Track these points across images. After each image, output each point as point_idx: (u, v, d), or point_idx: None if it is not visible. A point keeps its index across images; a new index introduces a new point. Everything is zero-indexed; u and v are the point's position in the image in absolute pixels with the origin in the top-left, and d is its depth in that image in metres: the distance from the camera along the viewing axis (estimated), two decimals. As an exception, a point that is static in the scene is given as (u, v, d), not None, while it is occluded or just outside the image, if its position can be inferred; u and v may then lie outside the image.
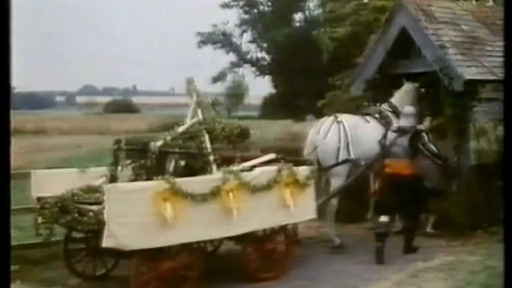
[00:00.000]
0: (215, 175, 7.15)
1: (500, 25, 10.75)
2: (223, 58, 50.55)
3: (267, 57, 48.57)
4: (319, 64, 28.86)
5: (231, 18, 51.94)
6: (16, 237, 8.46)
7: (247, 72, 49.95)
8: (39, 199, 7.29)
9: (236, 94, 50.08)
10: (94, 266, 7.82)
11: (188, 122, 8.05)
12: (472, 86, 9.92)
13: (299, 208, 7.83)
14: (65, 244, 7.73)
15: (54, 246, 8.20)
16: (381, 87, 11.46)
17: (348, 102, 14.33)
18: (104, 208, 6.25)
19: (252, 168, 7.59)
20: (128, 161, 7.73)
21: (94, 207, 6.65)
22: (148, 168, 7.36)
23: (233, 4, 47.99)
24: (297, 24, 47.33)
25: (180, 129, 7.91)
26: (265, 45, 47.89)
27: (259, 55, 49.45)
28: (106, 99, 70.90)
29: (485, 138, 10.12)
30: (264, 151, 8.69)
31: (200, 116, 8.07)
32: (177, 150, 7.75)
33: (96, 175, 7.86)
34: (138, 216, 6.30)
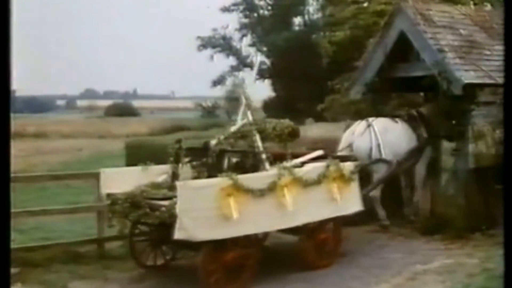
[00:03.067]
0: (271, 172, 7.67)
1: (498, 29, 10.80)
2: (223, 62, 50.55)
3: (267, 61, 48.57)
4: (318, 68, 28.88)
5: (231, 22, 51.88)
6: (17, 239, 8.51)
7: (247, 76, 50.00)
8: (108, 195, 7.87)
9: (236, 98, 50.16)
10: (155, 256, 8.41)
11: (239, 122, 8.64)
12: (471, 90, 9.95)
13: (346, 201, 8.37)
14: (130, 237, 8.30)
15: (54, 249, 8.25)
16: (380, 91, 11.51)
17: (348, 105, 14.37)
18: (175, 203, 6.80)
19: (302, 164, 8.13)
20: (187, 159, 8.39)
21: (166, 202, 7.17)
22: (208, 166, 8.07)
23: (233, 8, 47.99)
24: (297, 28, 47.27)
25: (232, 129, 8.57)
26: (265, 49, 47.87)
27: (259, 58, 49.46)
28: (106, 102, 70.82)
29: (483, 142, 10.15)
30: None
31: (250, 117, 8.59)
32: (234, 149, 8.41)
33: (158, 172, 8.38)
34: (205, 210, 6.82)
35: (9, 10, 3.28)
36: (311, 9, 46.89)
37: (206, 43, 49.15)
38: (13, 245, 6.42)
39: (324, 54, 22.79)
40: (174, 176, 8.22)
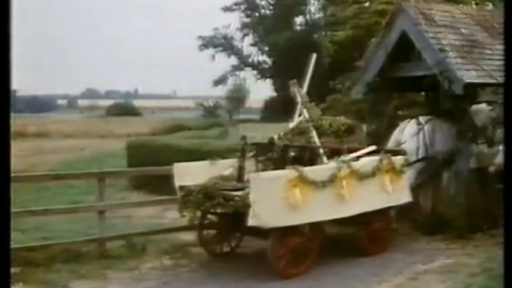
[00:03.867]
0: (331, 165, 8.28)
1: (499, 29, 10.78)
2: (225, 61, 50.55)
3: (268, 60, 48.55)
4: (320, 68, 28.90)
5: (232, 22, 51.90)
6: (18, 239, 8.52)
7: (248, 75, 49.97)
8: (181, 187, 8.57)
9: (237, 97, 50.06)
10: (222, 244, 9.12)
11: (296, 120, 9.34)
12: (472, 89, 9.94)
13: (397, 192, 8.94)
14: (200, 226, 8.93)
15: (55, 248, 8.25)
16: (382, 90, 11.50)
17: (349, 105, 14.36)
18: (248, 193, 7.50)
19: (358, 158, 8.70)
20: (251, 154, 9.10)
21: (239, 193, 7.85)
22: (273, 160, 8.76)
23: (235, 8, 48.01)
24: (298, 28, 47.31)
25: (291, 126, 9.26)
26: (266, 48, 47.87)
27: (260, 58, 49.45)
28: (108, 102, 70.78)
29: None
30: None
31: (307, 115, 9.21)
32: (296, 144, 9.07)
33: (224, 166, 9.03)
34: (274, 200, 7.48)
35: (9, 10, 3.28)
36: (312, 8, 46.93)
37: (208, 43, 49.17)
38: (14, 245, 6.43)
39: (325, 53, 22.78)
40: (240, 169, 8.90)
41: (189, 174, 8.74)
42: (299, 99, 9.54)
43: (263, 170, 8.62)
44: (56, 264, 8.24)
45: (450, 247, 9.13)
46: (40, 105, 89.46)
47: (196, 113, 51.96)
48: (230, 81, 50.31)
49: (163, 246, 9.30)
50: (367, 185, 8.47)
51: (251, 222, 7.41)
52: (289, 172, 7.70)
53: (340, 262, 8.47)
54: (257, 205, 7.38)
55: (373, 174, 8.57)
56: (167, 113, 64.80)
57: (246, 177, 8.64)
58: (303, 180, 7.68)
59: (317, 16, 45.54)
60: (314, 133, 8.96)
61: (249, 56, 49.67)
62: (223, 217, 8.70)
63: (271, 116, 40.06)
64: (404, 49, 10.98)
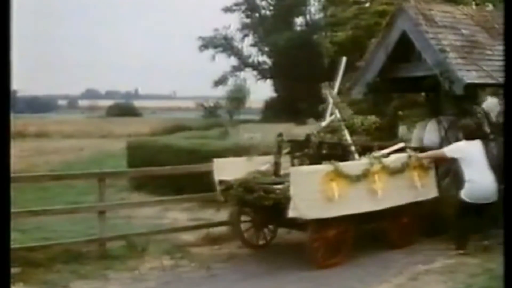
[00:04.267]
0: (363, 161, 8.71)
1: (500, 29, 10.77)
2: (225, 62, 50.56)
3: (269, 61, 48.56)
4: (320, 68, 28.86)
5: (232, 22, 51.93)
6: (18, 239, 8.52)
7: (248, 76, 49.98)
8: (221, 182, 9.05)
9: (238, 98, 50.06)
10: (258, 237, 9.57)
11: (328, 119, 9.80)
12: (472, 90, 9.94)
13: (424, 188, 9.24)
14: (237, 219, 9.42)
15: (55, 249, 8.25)
16: (382, 91, 11.49)
17: (349, 105, 14.33)
18: (288, 186, 7.92)
19: (388, 154, 9.04)
20: (286, 150, 9.55)
21: (279, 186, 8.34)
22: (309, 156, 9.15)
23: (235, 8, 48.03)
24: (298, 28, 47.33)
25: (323, 124, 9.70)
26: (266, 49, 47.88)
27: (261, 59, 49.47)
28: (108, 102, 70.86)
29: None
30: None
31: (338, 114, 9.68)
32: (330, 141, 9.48)
33: (260, 162, 9.52)
34: (313, 193, 7.87)
35: (10, 10, 3.28)
36: (312, 9, 46.99)
37: (208, 43, 49.20)
38: (14, 245, 6.43)
39: (325, 54, 22.77)
40: (276, 165, 9.35)
41: (228, 169, 9.19)
42: (330, 99, 10.03)
43: (299, 165, 9.00)
44: (56, 264, 8.23)
45: (451, 247, 9.12)
46: (40, 105, 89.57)
47: (196, 113, 51.98)
48: (230, 81, 50.38)
49: (164, 247, 9.30)
50: (397, 181, 8.85)
51: (291, 213, 7.82)
52: (326, 167, 8.11)
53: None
54: (297, 197, 7.79)
55: (402, 170, 8.94)
56: (167, 114, 64.91)
57: (281, 172, 9.22)
58: (339, 174, 8.09)
59: (317, 16, 45.58)
60: (345, 131, 9.45)
61: (249, 56, 49.74)
62: (259, 210, 9.06)
63: (271, 116, 40.12)
64: (404, 50, 10.97)
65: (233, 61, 49.92)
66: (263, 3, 48.22)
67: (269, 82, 48.62)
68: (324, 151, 9.35)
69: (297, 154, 9.40)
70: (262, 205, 8.49)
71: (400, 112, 10.86)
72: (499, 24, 11.02)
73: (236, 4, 47.80)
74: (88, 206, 10.09)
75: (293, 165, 9.16)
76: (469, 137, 9.06)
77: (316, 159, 8.83)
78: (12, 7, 3.33)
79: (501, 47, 9.83)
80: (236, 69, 50.20)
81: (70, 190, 14.24)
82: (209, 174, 9.33)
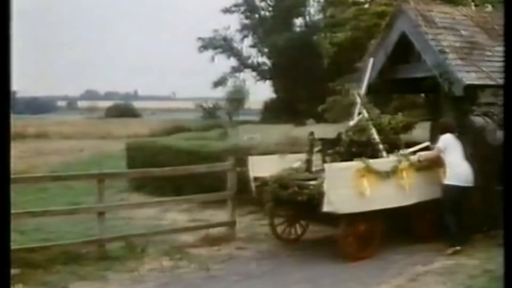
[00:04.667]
0: (392, 158, 9.12)
1: (499, 30, 10.77)
2: (224, 63, 50.59)
3: (268, 62, 48.54)
4: (319, 69, 28.87)
5: (232, 23, 51.94)
6: (18, 240, 8.51)
7: (248, 77, 49.96)
8: (255, 178, 9.51)
9: (237, 99, 50.06)
10: (290, 231, 10.00)
11: (356, 118, 10.10)
12: (472, 91, 9.93)
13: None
14: (272, 214, 9.74)
15: (55, 250, 8.24)
16: (382, 92, 11.49)
17: (349, 106, 14.31)
18: (322, 182, 8.32)
19: (414, 153, 9.37)
20: (317, 148, 9.85)
21: (313, 182, 8.65)
22: (340, 154, 9.46)
23: (234, 9, 48.00)
24: (298, 29, 47.29)
25: (351, 123, 10.02)
26: (266, 50, 47.86)
27: (260, 60, 49.44)
28: (107, 103, 70.83)
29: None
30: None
31: (366, 114, 10.03)
32: (360, 140, 9.69)
33: (293, 159, 9.85)
34: (345, 188, 8.32)
35: (10, 12, 3.28)
36: (312, 10, 46.95)
37: (207, 44, 49.16)
38: (14, 246, 6.42)
39: (325, 55, 22.80)
40: (309, 162, 9.69)
41: (262, 166, 9.58)
42: (358, 100, 10.35)
43: (331, 162, 9.26)
44: (55, 265, 8.23)
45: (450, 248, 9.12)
46: (39, 106, 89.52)
47: (196, 114, 51.95)
48: (230, 82, 50.32)
49: (163, 248, 9.30)
50: (423, 177, 9.17)
51: (325, 208, 8.23)
52: (357, 164, 8.57)
53: (338, 263, 8.51)
54: (331, 193, 8.21)
55: (428, 167, 9.24)
56: (166, 115, 64.84)
57: (313, 169, 9.58)
58: (370, 171, 8.52)
59: (316, 17, 45.55)
60: (373, 130, 9.76)
61: (249, 57, 49.68)
62: (292, 206, 9.41)
63: (270, 117, 40.09)
64: (404, 51, 10.97)
65: (233, 62, 49.91)
66: (263, 4, 48.18)
67: (268, 83, 48.58)
68: (354, 149, 9.61)
69: (329, 151, 9.72)
70: (296, 200, 8.79)
71: (400, 113, 10.81)
72: (498, 25, 11.02)
73: (235, 5, 47.76)
74: (88, 207, 10.08)
75: (324, 162, 9.43)
76: (444, 131, 9.35)
77: (346, 157, 9.24)
78: (13, 9, 3.33)
79: (500, 48, 9.84)
80: (235, 70, 50.17)
81: (69, 191, 14.23)
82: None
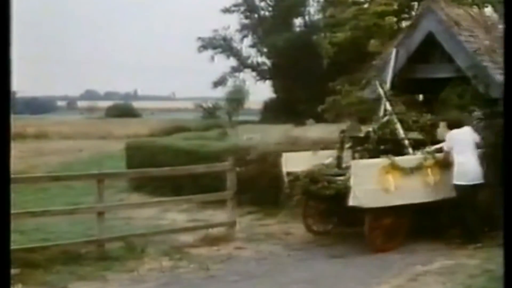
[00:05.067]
0: (418, 155, 9.39)
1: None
2: (224, 63, 50.54)
3: (268, 62, 48.51)
4: (319, 69, 28.84)
5: (232, 23, 51.91)
6: (17, 240, 8.50)
7: (247, 77, 49.93)
8: (288, 173, 9.93)
9: (237, 99, 50.03)
10: (319, 224, 10.39)
11: (381, 114, 10.45)
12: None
13: None
14: (304, 208, 10.19)
15: (54, 250, 8.24)
16: (398, 91, 11.36)
17: (348, 106, 14.35)
18: (349, 177, 8.79)
19: (439, 150, 9.56)
20: (347, 145, 10.27)
21: (341, 177, 9.17)
22: (368, 150, 9.79)
23: (234, 9, 47.98)
24: (297, 29, 47.27)
25: (381, 121, 10.31)
26: (265, 50, 47.83)
27: (260, 59, 49.40)
28: (107, 103, 70.70)
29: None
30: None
31: (389, 107, 10.32)
32: (387, 137, 10.05)
33: (324, 156, 10.29)
34: (371, 184, 8.71)
35: (10, 11, 3.27)
36: (311, 10, 46.92)
37: (207, 44, 49.15)
38: (13, 246, 6.41)
39: (324, 55, 22.76)
40: (339, 158, 10.11)
41: (294, 162, 10.01)
42: (383, 95, 10.59)
43: (360, 159, 9.69)
44: (55, 265, 8.22)
45: (450, 248, 9.13)
46: (39, 106, 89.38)
47: (195, 114, 51.86)
48: (229, 82, 50.26)
49: (163, 248, 9.30)
50: (447, 174, 9.33)
51: (351, 202, 8.65)
52: (382, 160, 8.94)
53: (337, 263, 8.53)
54: (357, 188, 8.62)
55: (453, 164, 9.33)
56: (166, 115, 64.76)
57: (344, 165, 9.92)
58: (395, 167, 8.87)
59: (316, 17, 45.50)
60: (399, 127, 10.04)
61: (248, 57, 49.65)
62: (321, 200, 9.80)
63: (270, 117, 40.03)
64: (425, 51, 10.84)
65: (232, 62, 49.88)
66: (262, 4, 48.15)
67: (268, 83, 48.52)
68: (382, 146, 9.90)
69: (358, 148, 10.07)
70: (325, 194, 9.24)
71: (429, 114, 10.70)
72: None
73: (235, 5, 47.73)
74: (87, 207, 10.08)
75: (353, 158, 9.83)
76: (452, 127, 9.45)
77: (375, 154, 9.56)
78: (12, 9, 3.32)
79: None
80: (235, 70, 50.15)
81: (69, 191, 14.22)
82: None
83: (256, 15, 48.51)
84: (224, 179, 10.32)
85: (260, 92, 52.15)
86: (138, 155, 15.43)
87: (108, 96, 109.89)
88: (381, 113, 10.52)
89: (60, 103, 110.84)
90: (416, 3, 23.24)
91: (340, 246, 9.56)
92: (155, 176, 12.36)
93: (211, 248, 9.49)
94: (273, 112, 43.10)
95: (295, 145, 12.32)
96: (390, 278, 7.75)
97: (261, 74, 49.01)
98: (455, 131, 9.40)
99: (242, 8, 48.10)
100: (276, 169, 10.60)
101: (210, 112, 49.81)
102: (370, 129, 10.25)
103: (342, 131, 10.51)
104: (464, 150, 9.22)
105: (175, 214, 12.24)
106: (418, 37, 10.82)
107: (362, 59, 16.13)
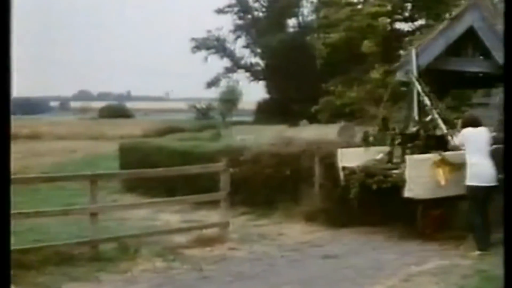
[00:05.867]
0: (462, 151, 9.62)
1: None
2: (217, 64, 50.55)
3: (261, 63, 48.57)
4: (313, 70, 28.88)
5: (225, 24, 51.87)
6: (11, 241, 8.44)
7: (241, 77, 49.96)
8: (343, 168, 10.46)
9: (230, 99, 50.02)
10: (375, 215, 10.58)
11: (415, 112, 11.05)
12: None
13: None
14: (359, 200, 10.32)
15: (48, 251, 8.21)
16: (429, 78, 11.38)
17: (342, 107, 14.37)
18: (404, 171, 9.51)
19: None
20: (398, 142, 10.69)
21: (396, 171, 9.86)
22: (418, 147, 10.33)
23: (228, 10, 48.02)
24: (291, 30, 47.36)
25: (416, 118, 10.85)
26: (259, 50, 47.89)
27: (253, 60, 49.47)
28: (100, 104, 70.51)
29: None
30: None
31: (428, 102, 10.73)
32: (435, 134, 10.54)
33: (375, 152, 10.82)
34: (423, 177, 9.34)
35: (10, 11, 3.25)
36: (305, 11, 47.05)
37: (200, 45, 49.18)
38: (6, 247, 6.37)
39: (318, 55, 22.81)
40: (390, 154, 10.67)
41: (349, 157, 10.58)
42: (420, 91, 10.91)
43: (410, 154, 10.11)
44: (48, 266, 8.18)
45: (444, 249, 9.16)
46: (32, 107, 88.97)
47: (189, 115, 51.80)
48: (223, 83, 50.29)
49: (156, 249, 9.27)
50: None
51: (406, 194, 9.33)
52: (434, 156, 9.53)
53: (331, 264, 8.53)
54: (411, 180, 9.29)
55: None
56: (159, 115, 64.67)
57: (394, 160, 10.50)
58: (445, 162, 9.40)
59: (310, 18, 45.64)
60: (442, 124, 10.46)
61: (242, 58, 49.73)
62: (376, 193, 10.08)
63: (264, 118, 40.08)
64: (460, 44, 10.96)
65: (226, 62, 49.95)
66: (256, 4, 48.26)
67: (261, 83, 48.62)
68: (430, 143, 10.35)
69: (408, 145, 10.51)
70: (380, 187, 9.82)
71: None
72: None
73: (228, 6, 47.81)
74: (80, 208, 10.04)
75: (404, 154, 10.32)
76: (466, 125, 9.31)
77: (423, 150, 10.13)
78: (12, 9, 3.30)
79: None
80: (228, 70, 50.19)
81: (62, 192, 14.17)
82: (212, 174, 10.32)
83: (249, 16, 48.57)
84: (217, 180, 10.31)
85: (254, 92, 52.16)
86: (132, 156, 15.41)
87: (101, 96, 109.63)
88: (414, 104, 10.97)
89: (53, 104, 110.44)
90: (409, 4, 23.31)
91: (335, 246, 9.58)
92: (148, 177, 12.33)
93: (205, 249, 9.47)
94: (266, 113, 43.14)
95: (289, 146, 12.32)
96: (383, 278, 7.76)
97: (255, 74, 49.07)
98: (470, 129, 9.15)
99: (235, 9, 48.16)
100: (269, 169, 10.61)
101: (203, 113, 49.77)
102: (417, 127, 10.78)
103: (393, 128, 11.02)
104: (478, 151, 8.97)
105: (169, 215, 12.22)
106: (459, 29, 10.91)
107: (355, 60, 16.19)
